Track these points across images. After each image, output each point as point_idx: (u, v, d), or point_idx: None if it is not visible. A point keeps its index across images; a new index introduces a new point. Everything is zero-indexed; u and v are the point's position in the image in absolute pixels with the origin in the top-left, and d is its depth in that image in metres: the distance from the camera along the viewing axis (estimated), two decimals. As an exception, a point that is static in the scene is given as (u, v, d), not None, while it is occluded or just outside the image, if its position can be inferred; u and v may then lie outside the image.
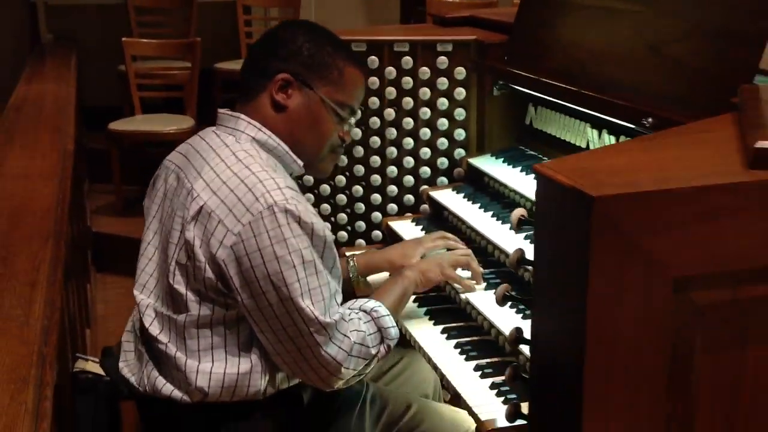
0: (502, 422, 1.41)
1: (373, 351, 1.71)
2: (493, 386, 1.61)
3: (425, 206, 2.43)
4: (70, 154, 2.93)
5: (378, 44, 2.43)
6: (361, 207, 2.53)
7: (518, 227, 1.19)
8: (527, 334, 1.21)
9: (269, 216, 1.57)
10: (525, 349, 1.31)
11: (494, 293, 1.60)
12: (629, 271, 0.98)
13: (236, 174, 1.63)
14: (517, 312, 1.65)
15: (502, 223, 1.97)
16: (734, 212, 0.99)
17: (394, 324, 1.75)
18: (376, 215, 2.52)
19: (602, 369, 1.00)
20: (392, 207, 2.51)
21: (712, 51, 1.58)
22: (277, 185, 1.61)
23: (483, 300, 1.82)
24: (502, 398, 1.51)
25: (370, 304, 1.76)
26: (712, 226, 0.99)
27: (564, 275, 1.02)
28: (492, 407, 1.53)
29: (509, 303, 1.55)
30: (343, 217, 2.54)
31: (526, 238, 1.70)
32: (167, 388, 1.72)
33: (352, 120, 1.88)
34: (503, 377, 1.53)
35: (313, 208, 1.69)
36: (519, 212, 1.18)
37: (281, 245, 1.57)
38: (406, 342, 2.03)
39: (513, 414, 1.28)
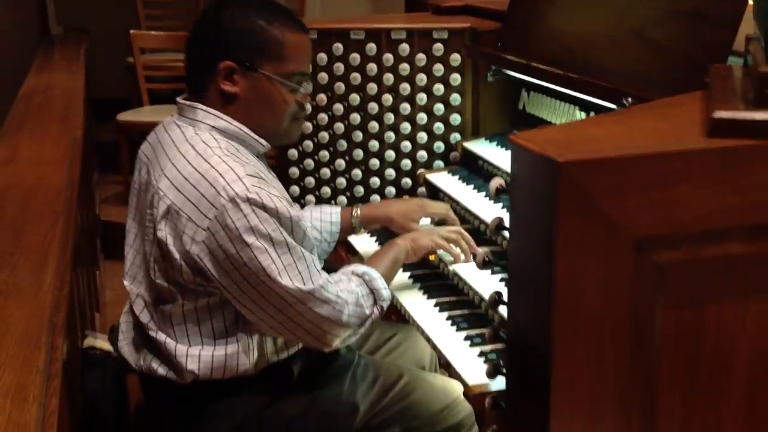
0: (487, 384, 1.50)
1: (367, 311, 1.78)
2: (481, 354, 1.69)
3: (422, 189, 2.51)
4: (79, 142, 3.01)
5: (376, 32, 2.50)
6: (360, 190, 2.60)
7: (496, 196, 1.26)
8: (506, 298, 1.29)
9: (233, 208, 1.61)
10: (503, 310, 1.39)
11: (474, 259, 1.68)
12: (593, 232, 1.05)
13: (196, 169, 1.66)
14: (501, 281, 1.73)
15: (494, 203, 2.05)
16: (691, 177, 1.07)
17: (386, 286, 1.82)
18: (375, 198, 2.59)
19: (569, 323, 1.08)
20: (390, 190, 2.59)
21: (690, 34, 1.65)
22: (237, 176, 1.64)
23: (469, 271, 1.91)
24: (489, 364, 1.59)
25: (361, 268, 1.84)
26: (670, 190, 1.06)
27: (534, 237, 1.10)
28: (479, 372, 1.61)
29: (490, 268, 1.63)
30: (342, 200, 2.62)
31: (503, 207, 1.78)
32: (161, 369, 1.79)
33: (307, 84, 1.85)
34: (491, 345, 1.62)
35: (279, 189, 1.73)
36: (497, 182, 1.26)
37: (249, 233, 1.61)
38: (401, 318, 2.11)
39: (493, 372, 1.37)
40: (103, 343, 2.42)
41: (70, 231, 2.10)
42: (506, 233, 1.18)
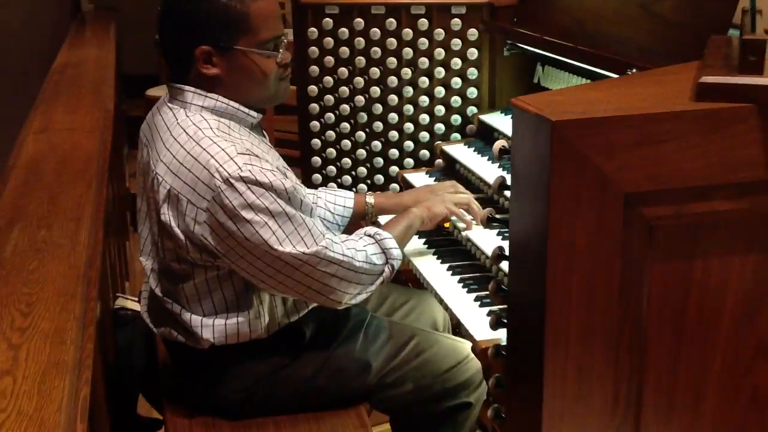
0: (492, 337, 1.59)
1: (378, 269, 1.85)
2: (489, 313, 1.77)
3: (439, 161, 2.59)
4: (110, 113, 3.13)
5: (396, 7, 2.58)
6: (379, 161, 2.70)
7: (499, 157, 1.34)
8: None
9: (228, 188, 1.67)
10: (505, 265, 1.47)
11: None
12: (585, 187, 1.14)
13: (189, 153, 1.71)
14: (504, 239, 1.81)
15: (507, 173, 2.13)
16: (677, 137, 1.14)
17: (397, 246, 1.90)
18: (394, 169, 2.68)
19: (562, 270, 1.16)
20: (408, 161, 2.67)
21: (693, 7, 1.72)
22: (228, 156, 1.69)
23: (478, 234, 2.00)
24: (493, 316, 1.68)
25: (373, 229, 1.91)
26: (657, 148, 1.14)
27: (531, 192, 1.19)
28: (487, 329, 1.70)
29: (493, 226, 1.72)
30: (362, 170, 2.71)
31: (505, 168, 1.87)
32: (180, 337, 1.87)
33: (284, 43, 1.85)
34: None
35: (273, 159, 1.77)
36: (500, 143, 1.34)
37: (247, 210, 1.67)
38: (417, 285, 2.20)
39: (495, 323, 1.45)
40: (133, 304, 2.53)
41: (102, 195, 2.21)
42: (508, 192, 1.26)
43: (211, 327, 1.82)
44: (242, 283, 1.81)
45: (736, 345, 1.27)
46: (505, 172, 2.02)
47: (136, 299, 2.48)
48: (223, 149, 1.70)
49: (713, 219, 1.20)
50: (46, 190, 2.18)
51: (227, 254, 1.72)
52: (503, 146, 1.33)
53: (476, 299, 1.89)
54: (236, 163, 1.68)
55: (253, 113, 1.84)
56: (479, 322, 1.78)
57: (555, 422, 1.24)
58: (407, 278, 2.58)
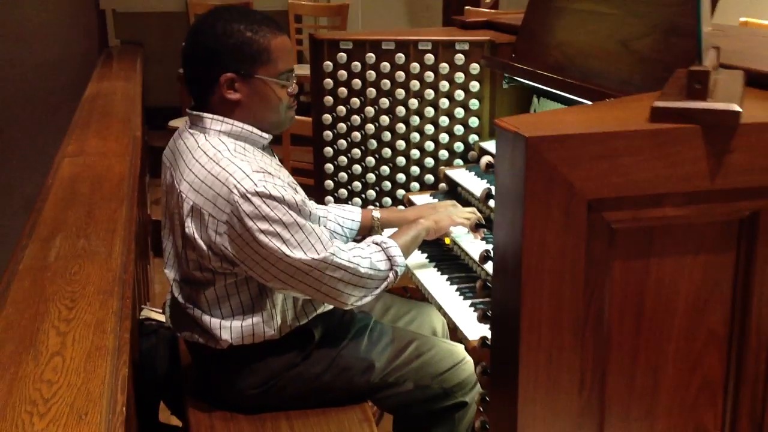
0: (481, 334, 1.78)
1: (382, 274, 2.06)
2: (476, 309, 1.96)
3: (443, 184, 2.79)
4: (138, 140, 3.36)
5: (405, 43, 2.80)
6: (387, 185, 2.90)
7: (486, 170, 1.54)
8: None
9: (245, 202, 1.88)
10: (489, 266, 1.66)
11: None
12: (554, 194, 1.33)
13: (210, 172, 1.92)
14: (488, 243, 2.01)
15: (493, 185, 2.33)
16: (633, 152, 1.33)
17: (401, 254, 2.10)
18: (401, 192, 2.89)
19: (534, 268, 1.35)
20: (414, 185, 2.88)
21: (665, 44, 1.93)
22: (244, 174, 1.90)
23: (474, 248, 2.20)
24: (479, 311, 1.86)
25: (380, 238, 2.12)
26: (617, 161, 1.33)
27: (510, 200, 1.38)
28: (479, 331, 1.89)
29: (481, 231, 1.92)
30: (372, 193, 2.92)
31: (491, 182, 2.07)
32: (201, 339, 2.07)
33: (292, 77, 2.08)
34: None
35: (284, 176, 1.98)
36: (486, 158, 1.53)
37: (262, 221, 1.89)
38: (418, 297, 2.39)
39: (482, 317, 1.64)
40: (157, 315, 2.74)
41: (133, 212, 2.43)
42: (492, 202, 1.46)
43: (228, 328, 2.01)
44: (257, 288, 2.02)
45: (688, 335, 1.46)
46: (491, 184, 2.22)
47: (160, 310, 2.69)
48: (240, 168, 1.91)
49: (666, 223, 1.39)
50: (83, 206, 2.40)
51: (245, 261, 1.92)
52: (489, 161, 1.53)
53: (471, 305, 2.08)
54: (252, 180, 1.89)
55: (264, 135, 2.06)
56: (472, 324, 1.97)
57: (529, 402, 1.42)
58: (410, 292, 2.77)
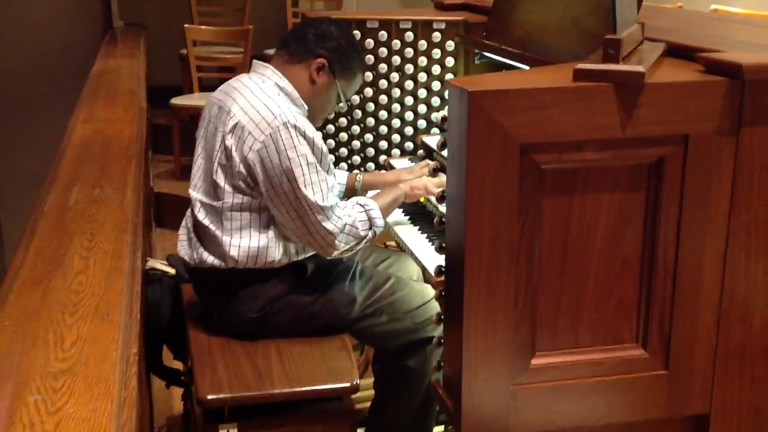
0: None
1: (362, 233, 2.37)
2: (433, 242, 2.24)
3: (421, 151, 3.08)
4: (144, 110, 3.65)
5: (387, 22, 3.09)
6: (371, 151, 3.19)
7: (441, 123, 1.82)
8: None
9: (284, 130, 2.24)
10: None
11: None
12: (492, 140, 1.62)
13: (260, 100, 2.30)
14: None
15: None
16: (558, 104, 1.62)
17: (381, 216, 2.41)
18: (383, 157, 3.18)
19: (477, 201, 1.63)
20: (395, 152, 3.17)
21: (607, 21, 2.21)
22: (289, 111, 2.29)
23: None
24: (437, 243, 2.13)
25: (364, 200, 2.43)
26: (544, 112, 1.62)
27: (458, 145, 1.67)
28: (438, 261, 2.18)
29: (439, 173, 2.24)
30: (357, 159, 3.21)
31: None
32: (210, 258, 2.39)
33: (346, 105, 2.61)
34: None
35: (317, 132, 2.35)
36: (442, 113, 1.82)
37: (292, 150, 2.24)
38: (395, 249, 2.68)
39: (439, 248, 1.94)
40: (162, 265, 3.03)
41: (140, 168, 2.72)
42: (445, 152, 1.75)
43: (237, 247, 2.32)
44: (267, 217, 2.34)
45: (606, 261, 1.75)
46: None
47: (165, 262, 2.99)
48: (287, 107, 2.32)
49: (586, 165, 1.69)
50: (96, 162, 2.69)
51: (265, 181, 2.26)
52: (444, 116, 1.82)
53: (437, 249, 2.37)
54: (294, 116, 2.29)
55: (305, 105, 2.45)
56: (435, 259, 2.27)
57: (472, 314, 1.71)
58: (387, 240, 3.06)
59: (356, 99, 3.15)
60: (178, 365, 3.02)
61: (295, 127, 2.25)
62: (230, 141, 2.30)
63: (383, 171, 3.08)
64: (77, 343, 1.48)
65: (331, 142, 3.22)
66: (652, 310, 1.79)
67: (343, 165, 3.23)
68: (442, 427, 2.91)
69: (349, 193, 2.76)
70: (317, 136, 2.31)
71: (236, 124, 2.30)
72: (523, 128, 1.63)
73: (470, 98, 1.60)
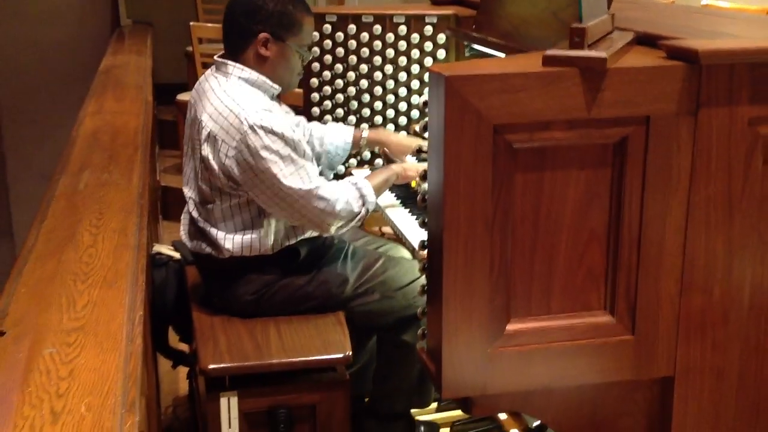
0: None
1: (356, 209, 2.51)
2: (418, 218, 2.38)
3: (417, 143, 3.22)
4: (150, 104, 3.80)
5: (382, 16, 3.23)
6: (366, 141, 3.34)
7: (423, 107, 1.96)
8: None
9: (251, 133, 2.35)
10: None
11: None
12: (466, 121, 1.75)
13: (226, 105, 2.39)
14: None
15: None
16: (528, 88, 1.75)
17: (373, 194, 2.55)
18: (377, 148, 3.32)
19: (454, 176, 1.77)
20: (398, 134, 3.31)
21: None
22: (254, 110, 2.36)
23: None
24: (420, 220, 2.26)
25: (355, 179, 2.57)
26: (515, 95, 1.75)
27: (437, 126, 1.81)
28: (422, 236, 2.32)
29: (421, 155, 2.38)
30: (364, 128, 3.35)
31: None
32: (207, 249, 2.54)
33: (307, 51, 2.60)
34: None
35: (287, 119, 2.44)
36: (423, 98, 1.95)
37: (264, 150, 2.35)
38: (393, 234, 2.82)
39: (422, 223, 2.07)
40: (167, 249, 3.18)
41: (146, 156, 2.87)
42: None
43: (231, 240, 2.47)
44: (256, 210, 2.47)
45: (575, 233, 1.89)
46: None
47: (171, 246, 3.14)
48: (251, 105, 2.39)
49: (555, 144, 1.82)
50: (105, 150, 2.85)
51: (245, 183, 2.38)
52: (425, 100, 1.96)
53: (420, 224, 2.51)
54: (259, 115, 2.36)
55: (275, 86, 2.53)
56: (419, 235, 2.40)
57: (451, 281, 1.84)
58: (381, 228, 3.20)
59: (352, 91, 3.30)
60: (184, 348, 3.17)
61: (261, 127, 2.34)
62: (206, 150, 2.40)
63: (381, 165, 3.23)
64: (88, 306, 1.63)
65: (329, 132, 3.36)
66: (619, 279, 1.92)
67: (340, 153, 3.37)
68: (436, 404, 3.06)
69: (355, 147, 2.92)
70: (286, 129, 2.38)
71: (208, 134, 2.40)
72: (495, 110, 1.77)
73: (447, 82, 1.74)
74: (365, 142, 2.91)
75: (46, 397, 1.31)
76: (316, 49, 3.29)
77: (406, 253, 2.95)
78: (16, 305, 1.61)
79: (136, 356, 1.45)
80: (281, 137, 2.37)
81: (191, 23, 5.88)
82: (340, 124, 3.02)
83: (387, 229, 3.49)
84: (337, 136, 2.92)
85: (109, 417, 1.26)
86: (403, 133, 3.19)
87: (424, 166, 2.81)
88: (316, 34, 3.24)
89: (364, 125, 3.30)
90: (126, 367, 1.41)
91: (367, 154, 3.29)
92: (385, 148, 2.94)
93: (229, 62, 2.50)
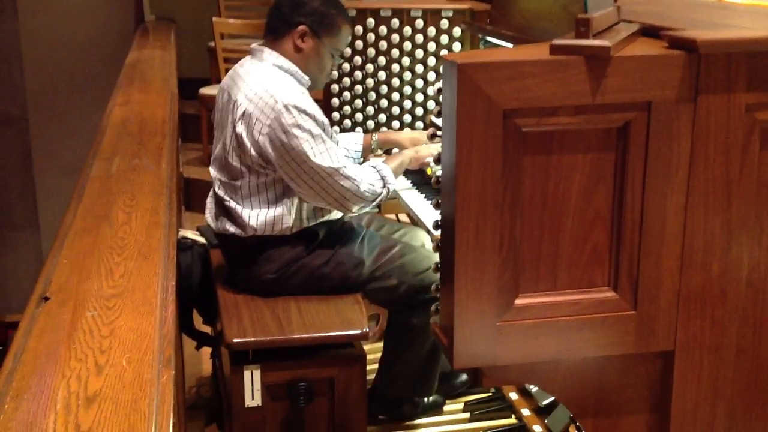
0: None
1: (378, 190, 2.64)
2: (434, 201, 2.50)
3: (431, 129, 3.33)
4: (175, 96, 3.94)
5: (399, 10, 3.35)
6: (384, 131, 3.45)
7: (437, 94, 2.08)
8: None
9: (285, 111, 2.49)
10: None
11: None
12: (478, 106, 1.87)
13: (261, 86, 2.54)
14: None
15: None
16: (535, 75, 1.86)
17: (392, 175, 2.68)
18: (398, 134, 3.45)
19: (466, 158, 1.88)
20: (407, 131, 3.43)
21: (591, 6, 2.46)
22: (288, 91, 2.52)
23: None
24: (434, 201, 2.38)
25: (375, 162, 2.70)
26: (524, 81, 1.86)
27: (450, 111, 1.93)
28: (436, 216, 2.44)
29: (436, 139, 2.49)
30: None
31: None
32: (231, 228, 2.67)
33: (339, 56, 2.78)
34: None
35: (316, 106, 2.58)
36: (438, 85, 2.07)
37: (297, 128, 2.49)
38: (409, 219, 2.94)
39: (436, 205, 2.19)
40: (192, 234, 3.31)
41: (173, 143, 3.00)
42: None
43: (255, 218, 2.60)
44: (281, 189, 2.60)
45: (581, 213, 1.99)
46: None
47: (196, 231, 3.27)
48: (285, 87, 2.55)
49: (561, 129, 1.93)
50: (134, 138, 2.98)
51: (278, 160, 2.52)
52: (439, 87, 2.07)
53: (434, 205, 2.62)
54: (293, 96, 2.52)
55: (305, 77, 2.68)
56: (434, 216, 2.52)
57: (462, 258, 1.96)
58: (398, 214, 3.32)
59: (371, 82, 3.42)
60: (207, 331, 3.30)
61: (295, 107, 2.49)
62: (240, 128, 2.54)
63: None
64: (125, 275, 1.76)
65: (347, 122, 3.49)
66: (622, 256, 2.03)
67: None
68: (462, 404, 3.15)
69: (366, 151, 3.04)
70: (317, 111, 2.55)
71: (243, 112, 2.54)
72: (505, 96, 1.88)
73: (459, 69, 1.86)
74: (376, 144, 3.04)
75: (90, 352, 1.44)
76: (336, 42, 3.42)
77: (423, 240, 3.07)
78: (58, 274, 1.74)
79: (170, 320, 1.58)
80: (313, 117, 2.51)
81: (213, 19, 6.02)
82: (350, 132, 3.14)
83: (404, 217, 3.60)
84: (349, 142, 3.05)
85: (148, 370, 1.39)
86: (407, 129, 3.31)
87: (436, 147, 2.94)
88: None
89: (375, 133, 3.43)
90: (161, 327, 1.53)
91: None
92: (397, 148, 3.05)
93: (266, 49, 2.65)
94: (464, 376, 3.14)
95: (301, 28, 2.63)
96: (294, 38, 2.64)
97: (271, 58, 2.65)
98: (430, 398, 2.97)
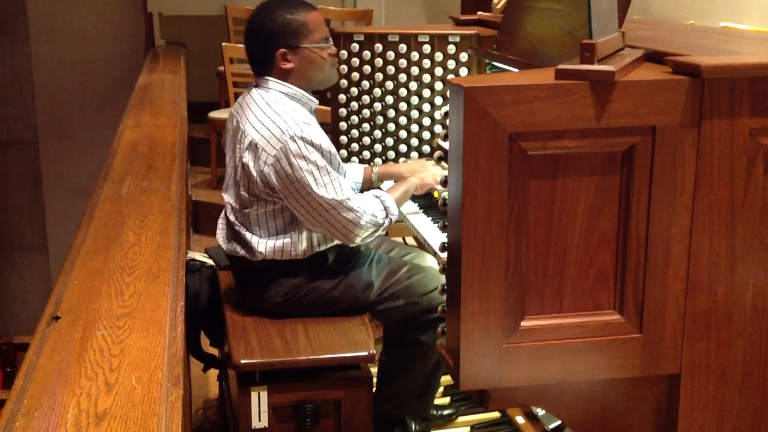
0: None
1: (380, 220, 2.65)
2: (439, 223, 2.52)
3: (438, 152, 3.36)
4: (185, 119, 3.98)
5: (407, 36, 3.39)
6: (391, 154, 3.48)
7: (444, 117, 2.10)
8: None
9: (292, 142, 2.51)
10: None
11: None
12: (484, 129, 1.89)
13: (268, 116, 2.56)
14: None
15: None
16: (541, 99, 1.89)
17: (395, 206, 2.69)
18: (402, 160, 3.47)
19: (471, 181, 1.90)
20: (414, 155, 3.46)
21: (596, 32, 2.49)
22: (295, 121, 2.53)
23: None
24: (440, 223, 2.41)
25: (379, 192, 2.72)
26: (529, 105, 1.89)
27: (456, 135, 1.95)
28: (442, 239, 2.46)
29: (443, 162, 2.51)
30: (378, 161, 3.50)
31: None
32: (242, 251, 2.69)
33: (329, 41, 2.72)
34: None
35: (323, 133, 2.60)
36: (444, 109, 2.09)
37: (302, 160, 2.51)
38: (416, 242, 2.96)
39: (442, 227, 2.21)
40: (201, 256, 3.34)
41: (183, 166, 3.04)
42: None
43: (264, 244, 2.62)
44: (290, 217, 2.62)
45: (586, 236, 2.01)
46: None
47: (204, 253, 3.30)
48: (292, 117, 2.55)
49: (567, 152, 1.95)
50: (144, 160, 3.01)
51: (282, 190, 2.53)
52: (446, 111, 2.10)
53: (440, 227, 2.66)
54: (300, 127, 2.53)
55: (314, 99, 2.69)
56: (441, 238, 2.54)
57: (469, 282, 1.97)
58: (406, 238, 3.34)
59: (378, 106, 3.45)
60: (214, 353, 3.32)
61: (302, 138, 2.51)
62: (247, 158, 2.56)
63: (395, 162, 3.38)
64: (134, 295, 1.78)
65: (355, 146, 3.52)
66: (627, 279, 2.04)
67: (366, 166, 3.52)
68: (468, 428, 3.14)
69: (367, 183, 3.06)
70: (324, 141, 2.55)
71: (250, 142, 2.56)
72: (511, 119, 1.91)
73: (466, 93, 1.88)
74: (376, 177, 3.06)
75: (100, 371, 1.46)
76: (344, 67, 3.46)
77: (431, 263, 3.08)
78: (69, 294, 1.76)
79: (179, 340, 1.60)
80: (319, 149, 2.52)
81: (223, 44, 6.08)
82: (351, 163, 3.14)
83: (410, 240, 3.62)
84: (349, 174, 3.04)
85: (157, 389, 1.40)
86: (407, 160, 3.33)
87: (440, 172, 2.96)
88: (344, 52, 3.41)
89: (378, 160, 3.47)
90: (170, 348, 1.55)
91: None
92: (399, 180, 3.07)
93: (270, 78, 2.68)
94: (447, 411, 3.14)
95: (279, 52, 2.62)
96: (280, 64, 2.64)
97: (276, 86, 2.68)
98: (419, 427, 2.96)
